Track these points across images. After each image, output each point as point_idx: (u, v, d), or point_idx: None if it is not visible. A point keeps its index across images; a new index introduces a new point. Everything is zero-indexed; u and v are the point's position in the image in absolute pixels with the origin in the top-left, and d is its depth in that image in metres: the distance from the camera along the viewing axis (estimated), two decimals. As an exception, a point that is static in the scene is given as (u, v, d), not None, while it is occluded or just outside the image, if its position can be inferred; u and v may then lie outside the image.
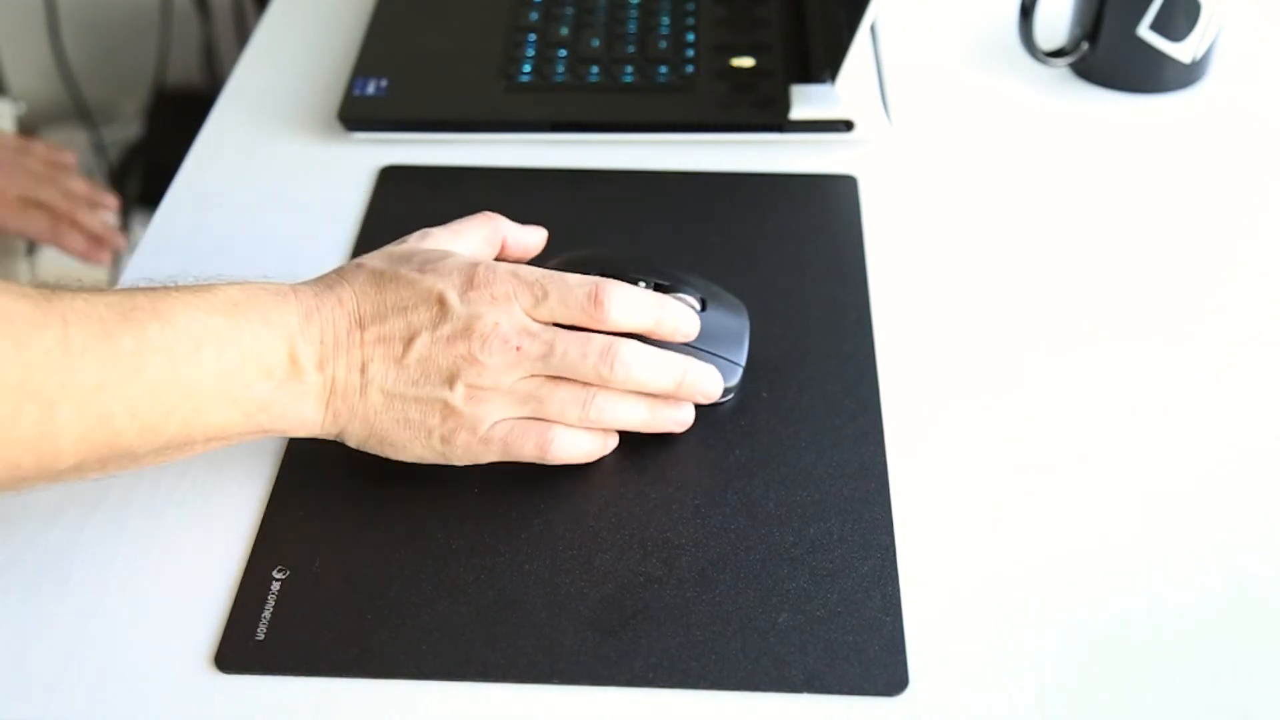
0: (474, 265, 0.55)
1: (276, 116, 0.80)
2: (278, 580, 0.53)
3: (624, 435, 0.58)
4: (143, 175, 1.60)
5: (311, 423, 0.54)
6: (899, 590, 0.52)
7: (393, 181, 0.74)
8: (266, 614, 0.52)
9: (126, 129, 1.66)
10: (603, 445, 0.57)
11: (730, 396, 0.60)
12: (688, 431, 0.58)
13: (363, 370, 0.54)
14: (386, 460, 0.56)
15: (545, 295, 0.55)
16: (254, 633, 0.51)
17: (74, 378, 0.48)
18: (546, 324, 0.55)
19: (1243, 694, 0.49)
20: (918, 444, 0.58)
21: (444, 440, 0.54)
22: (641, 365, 0.55)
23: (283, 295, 0.54)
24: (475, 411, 0.54)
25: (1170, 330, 0.64)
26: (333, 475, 0.57)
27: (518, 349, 0.53)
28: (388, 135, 0.78)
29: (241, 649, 0.50)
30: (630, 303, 0.55)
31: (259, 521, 0.55)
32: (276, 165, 0.76)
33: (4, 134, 1.17)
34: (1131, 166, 0.75)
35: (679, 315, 0.57)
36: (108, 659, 0.50)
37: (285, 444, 0.58)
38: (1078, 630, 0.51)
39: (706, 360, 0.58)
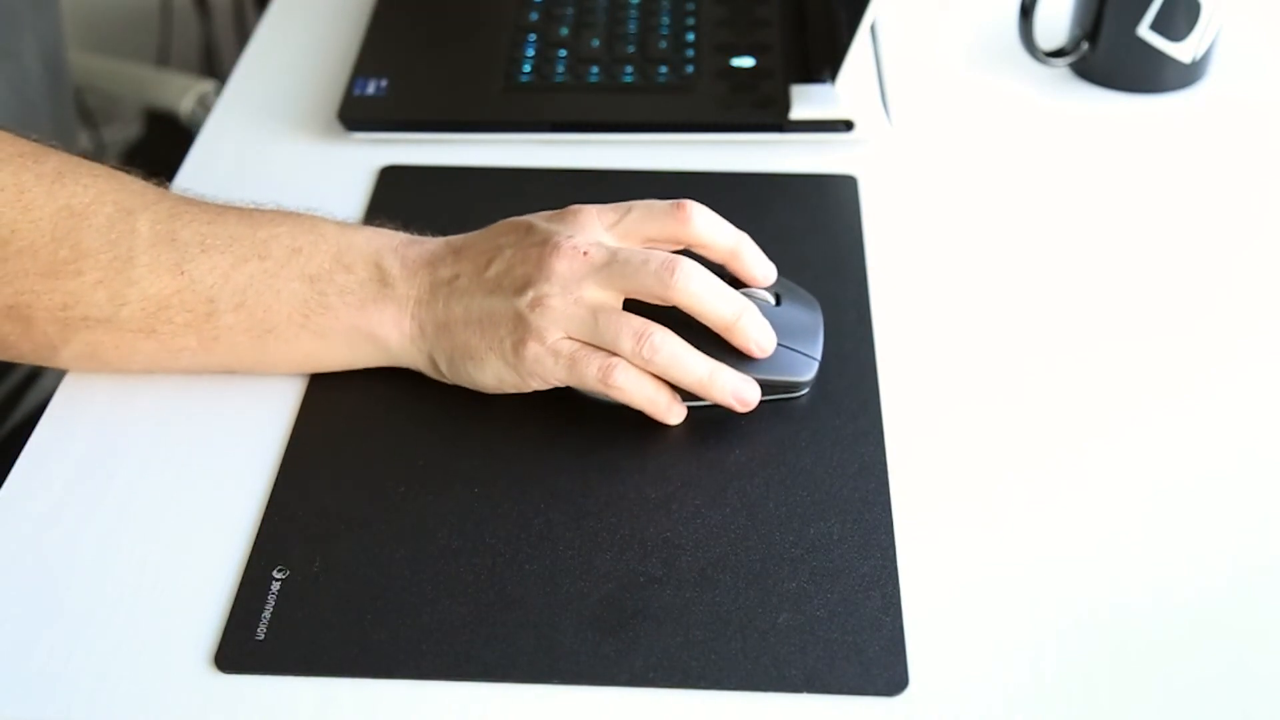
0: (568, 208, 0.60)
1: (276, 116, 0.80)
2: (278, 580, 0.53)
3: (625, 434, 0.58)
4: (143, 175, 1.59)
5: (396, 332, 0.58)
6: (899, 590, 0.52)
7: (393, 181, 0.74)
8: (266, 614, 0.52)
9: (126, 129, 1.66)
10: (666, 404, 0.57)
11: (805, 392, 0.60)
12: (687, 431, 0.58)
13: (450, 281, 0.58)
14: (386, 460, 0.57)
15: (629, 210, 0.59)
16: (254, 632, 0.51)
17: (145, 198, 0.60)
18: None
19: (1243, 694, 0.49)
20: (918, 444, 0.58)
21: (514, 350, 0.56)
22: (702, 281, 0.56)
23: (394, 230, 0.61)
24: (540, 321, 0.55)
25: (1170, 329, 0.64)
26: (333, 475, 0.57)
27: (585, 254, 0.56)
28: (388, 135, 0.78)
29: (241, 649, 0.50)
30: (714, 219, 0.59)
31: (259, 521, 0.55)
32: (276, 165, 0.76)
33: None
34: (1131, 166, 0.75)
35: (756, 251, 0.59)
36: (108, 659, 0.51)
37: (285, 444, 0.58)
38: (1078, 630, 0.51)
39: (781, 354, 0.58)
